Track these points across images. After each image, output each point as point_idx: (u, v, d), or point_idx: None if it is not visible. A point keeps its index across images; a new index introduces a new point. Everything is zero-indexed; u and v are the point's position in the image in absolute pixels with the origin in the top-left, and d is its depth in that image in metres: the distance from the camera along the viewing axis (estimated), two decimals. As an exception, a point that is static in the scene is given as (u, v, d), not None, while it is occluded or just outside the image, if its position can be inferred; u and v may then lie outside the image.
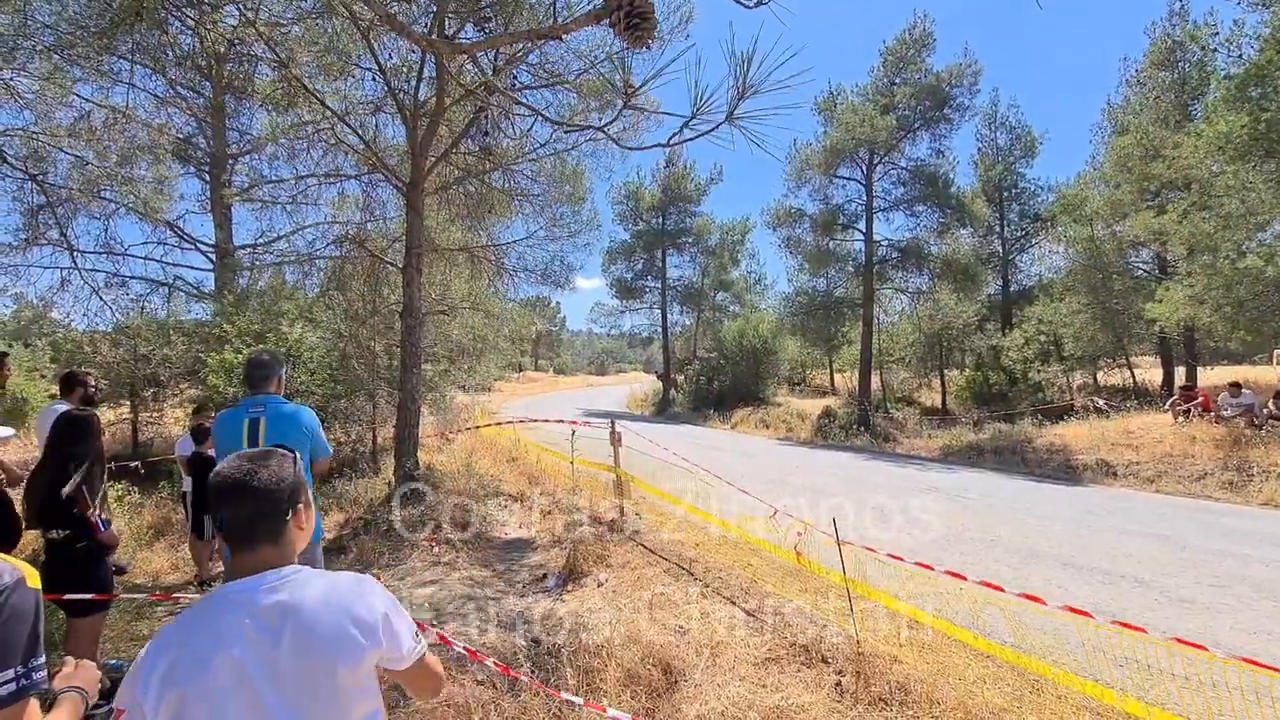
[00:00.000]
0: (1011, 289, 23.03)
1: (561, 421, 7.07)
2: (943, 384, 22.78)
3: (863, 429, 16.84)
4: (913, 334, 22.64)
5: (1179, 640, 2.21)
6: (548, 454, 9.28)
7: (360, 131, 7.69)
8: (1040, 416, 15.28)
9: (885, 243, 18.97)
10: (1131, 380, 19.04)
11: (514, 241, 9.04)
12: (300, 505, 1.28)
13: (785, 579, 4.64)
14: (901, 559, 3.29)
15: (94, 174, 10.04)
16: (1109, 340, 17.08)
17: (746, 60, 1.99)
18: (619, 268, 30.10)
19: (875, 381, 21.57)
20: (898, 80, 18.20)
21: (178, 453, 5.71)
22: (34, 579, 1.25)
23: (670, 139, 2.41)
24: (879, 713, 2.97)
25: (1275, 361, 12.43)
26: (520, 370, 52.28)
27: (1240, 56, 11.09)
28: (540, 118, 7.49)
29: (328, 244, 9.23)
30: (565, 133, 7.55)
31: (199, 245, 11.54)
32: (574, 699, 2.67)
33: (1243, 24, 10.84)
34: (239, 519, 1.19)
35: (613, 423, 6.67)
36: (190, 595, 5.16)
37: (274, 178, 11.17)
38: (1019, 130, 22.47)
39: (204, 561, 5.29)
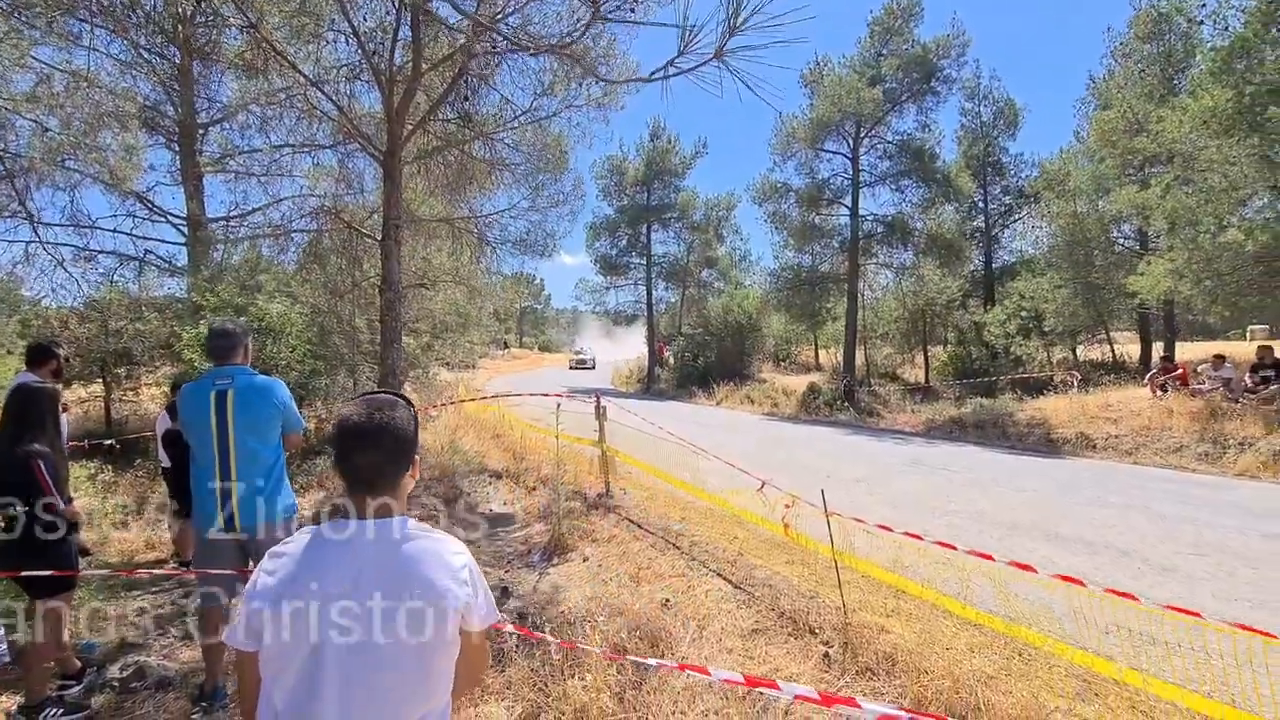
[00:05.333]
0: (994, 265, 23.14)
1: (547, 395, 6.98)
2: (926, 359, 22.95)
3: (847, 404, 16.95)
4: (897, 310, 22.73)
5: (1171, 608, 2.21)
6: (533, 430, 9.20)
7: (335, 98, 7.41)
8: (1020, 391, 15.47)
9: (871, 217, 18.92)
10: (1111, 355, 19.32)
11: (496, 213, 8.84)
12: (416, 456, 1.31)
13: (772, 551, 4.64)
14: (890, 529, 3.27)
15: (57, 143, 9.60)
16: (1089, 315, 17.26)
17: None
18: (603, 244, 29.79)
19: (859, 357, 21.68)
20: (885, 52, 17.97)
21: (156, 429, 5.54)
22: None
23: (653, 74, 2.29)
24: (866, 682, 2.97)
25: (1251, 337, 12.63)
26: (505, 347, 51.94)
27: (1226, 29, 11.04)
28: (515, 47, 7.25)
29: (304, 216, 8.95)
30: (535, 56, 7.30)
31: (170, 218, 11.14)
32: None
33: (1228, -4, 10.77)
34: (366, 464, 1.21)
35: (598, 398, 6.59)
36: (163, 572, 5.05)
37: (247, 148, 10.77)
38: (1002, 103, 22.33)
39: (187, 539, 5.16)
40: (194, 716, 2.94)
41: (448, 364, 15.05)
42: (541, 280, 70.17)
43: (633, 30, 5.55)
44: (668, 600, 3.93)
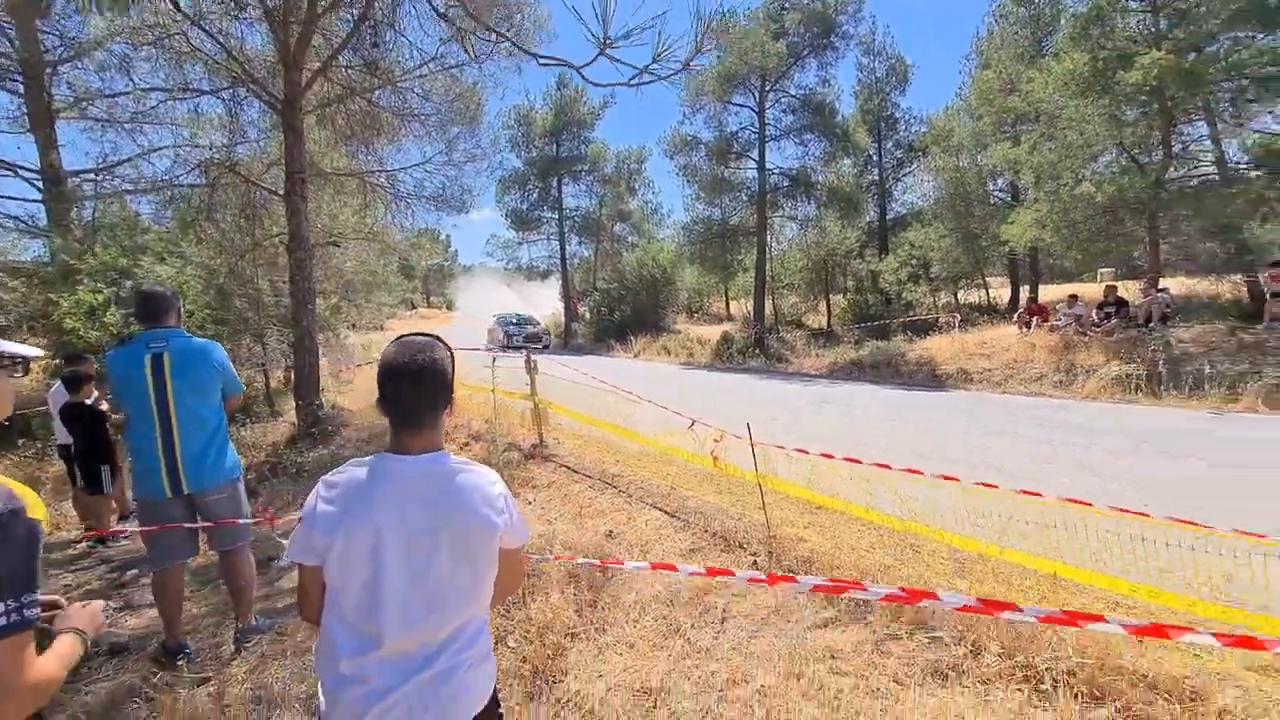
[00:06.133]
0: (888, 216, 24.70)
1: (477, 350, 7.03)
2: (828, 306, 24.41)
3: (758, 351, 17.88)
4: (801, 260, 23.88)
5: (1024, 491, 2.77)
6: (460, 387, 9.18)
7: (220, 39, 6.82)
8: (910, 333, 16.93)
9: (777, 171, 19.60)
10: (986, 298, 21.38)
11: (409, 166, 8.52)
12: (453, 396, 1.43)
13: (703, 483, 5.08)
14: (806, 452, 3.74)
15: None
16: (969, 262, 18.98)
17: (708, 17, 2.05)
18: (513, 197, 29.02)
19: (768, 306, 22.75)
20: (788, 5, 18.32)
21: (51, 405, 5.17)
22: (37, 508, 1.20)
23: (631, 79, 2.46)
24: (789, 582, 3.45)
25: (1101, 279, 14.42)
26: (413, 307, 49.88)
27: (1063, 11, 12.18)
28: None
29: (190, 169, 8.22)
30: (462, 39, 7.05)
31: (19, 170, 9.86)
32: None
33: (1089, -35, 11.85)
34: (410, 403, 1.34)
35: (528, 351, 6.73)
36: (74, 550, 4.84)
37: (108, 91, 9.62)
38: (894, 60, 23.44)
39: (104, 515, 4.94)
40: (157, 677, 2.98)
41: (353, 325, 14.49)
42: (448, 236, 67.33)
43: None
44: (611, 532, 4.28)
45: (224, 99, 8.45)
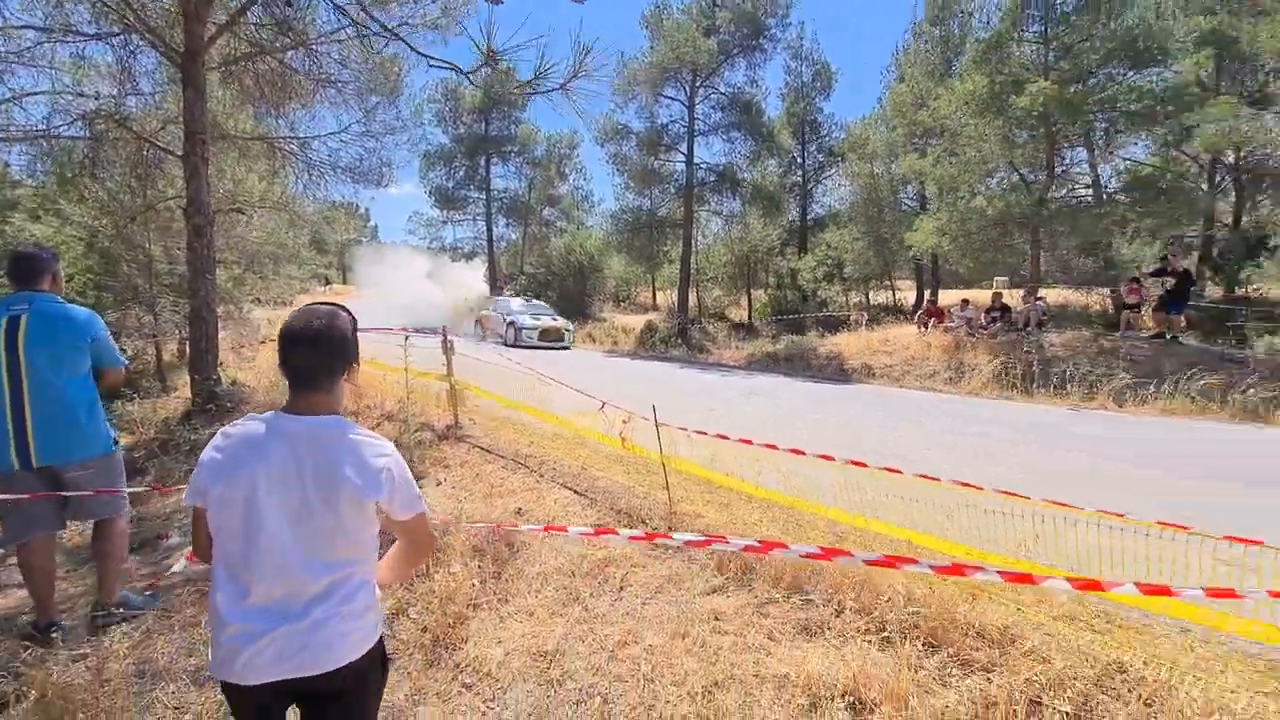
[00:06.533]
0: (809, 217, 25.76)
1: (390, 330, 6.90)
2: (749, 301, 25.24)
3: (680, 341, 18.31)
4: (725, 255, 24.54)
5: (888, 469, 3.11)
6: (373, 367, 8.94)
7: (109, -21, 6.29)
8: (823, 329, 17.84)
9: (704, 166, 20.04)
10: (893, 299, 22.77)
11: (323, 134, 8.14)
12: (353, 363, 1.53)
13: (613, 464, 5.26)
14: (705, 433, 3.98)
15: None
16: (879, 264, 20.16)
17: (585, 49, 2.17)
18: (438, 174, 28.15)
19: (692, 298, 23.28)
20: (720, 3, 18.68)
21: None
22: None
23: (512, 88, 2.53)
24: (684, 554, 3.69)
25: (994, 287, 15.70)
26: (327, 283, 47.38)
27: (988, 23, 13.17)
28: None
29: (72, 121, 7.51)
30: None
31: None
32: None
33: (991, -5, 12.81)
34: (307, 366, 1.44)
35: (444, 330, 6.68)
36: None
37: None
38: (819, 66, 24.38)
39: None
40: (28, 652, 2.84)
41: (258, 300, 13.72)
42: (367, 210, 64.27)
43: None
44: (520, 509, 4.39)
45: (114, 45, 7.77)
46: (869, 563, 1.72)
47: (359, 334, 1.59)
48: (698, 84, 18.73)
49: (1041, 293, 14.41)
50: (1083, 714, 2.24)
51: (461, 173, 28.30)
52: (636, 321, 22.73)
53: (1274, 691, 2.29)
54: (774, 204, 19.70)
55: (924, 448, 6.69)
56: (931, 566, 1.63)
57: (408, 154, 10.20)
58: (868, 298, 23.17)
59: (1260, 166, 15.61)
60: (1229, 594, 1.62)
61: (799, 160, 24.89)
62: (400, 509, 1.46)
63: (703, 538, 2.28)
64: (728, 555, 3.48)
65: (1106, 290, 15.60)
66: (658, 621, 2.98)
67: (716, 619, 3.01)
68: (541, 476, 5.13)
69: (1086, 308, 16.89)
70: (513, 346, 15.74)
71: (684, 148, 19.53)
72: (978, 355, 12.10)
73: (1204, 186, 15.55)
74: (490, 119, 27.10)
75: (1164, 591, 1.59)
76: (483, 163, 27.91)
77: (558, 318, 18.62)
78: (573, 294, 26.02)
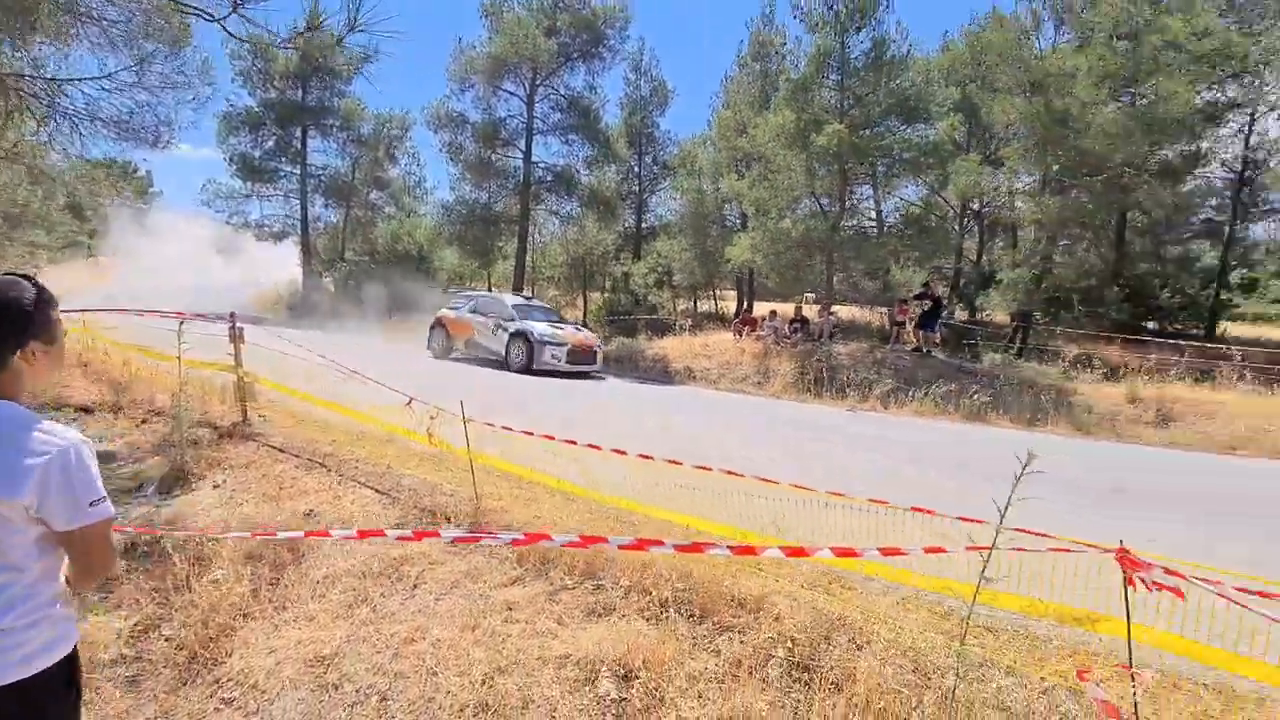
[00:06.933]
0: (643, 225, 26.83)
1: (165, 315, 6.05)
2: (585, 303, 25.65)
3: (513, 340, 18.09)
4: (562, 255, 24.71)
5: (669, 460, 3.43)
6: (146, 355, 7.73)
7: None
8: (651, 332, 18.73)
9: (543, 165, 20.02)
10: (716, 308, 24.55)
11: (80, 78, 6.83)
12: (35, 344, 1.33)
13: (423, 462, 5.11)
14: (513, 429, 4.05)
15: None
16: (704, 274, 21.61)
17: None
18: (242, 140, 24.83)
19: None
20: (560, 6, 18.83)
21: None
22: None
23: (280, 43, 2.41)
24: (486, 549, 3.73)
25: (804, 301, 17.61)
26: (91, 254, 39.57)
27: (798, 66, 14.76)
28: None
29: None
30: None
31: None
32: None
33: (801, 41, 14.41)
34: None
35: (233, 316, 6.01)
36: None
37: None
38: (657, 82, 25.53)
39: None
40: None
41: (-14, 270, 11.16)
42: (148, 173, 54.60)
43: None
44: (310, 511, 4.11)
45: None
46: (622, 547, 1.91)
47: (57, 312, 1.39)
48: (538, 82, 18.68)
49: (835, 308, 16.50)
50: (810, 662, 2.67)
51: (272, 142, 25.24)
52: (469, 318, 22.02)
53: (946, 630, 2.92)
54: (610, 210, 20.26)
55: (731, 444, 7.37)
56: (675, 546, 1.87)
57: (194, 114, 8.92)
58: (695, 305, 24.73)
59: (995, 214, 19.36)
60: (896, 551, 2.06)
61: (636, 170, 25.81)
62: (59, 518, 1.27)
63: (469, 532, 2.35)
64: (525, 550, 3.59)
65: (884, 309, 18.23)
66: (449, 616, 3.00)
67: (510, 609, 3.09)
68: (342, 476, 4.84)
69: (869, 323, 19.64)
70: (527, 372, 11.39)
71: (522, 144, 19.36)
72: (782, 361, 13.52)
73: (956, 227, 18.87)
74: (309, 86, 24.51)
75: (851, 553, 1.98)
76: (298, 134, 25.15)
77: (580, 327, 14.40)
78: (399, 285, 24.51)
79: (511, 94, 19.15)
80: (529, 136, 19.04)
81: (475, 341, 12.81)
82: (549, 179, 19.98)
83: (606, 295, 25.25)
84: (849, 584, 3.38)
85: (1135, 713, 2.24)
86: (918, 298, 14.05)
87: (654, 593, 3.12)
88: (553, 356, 11.50)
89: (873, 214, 17.63)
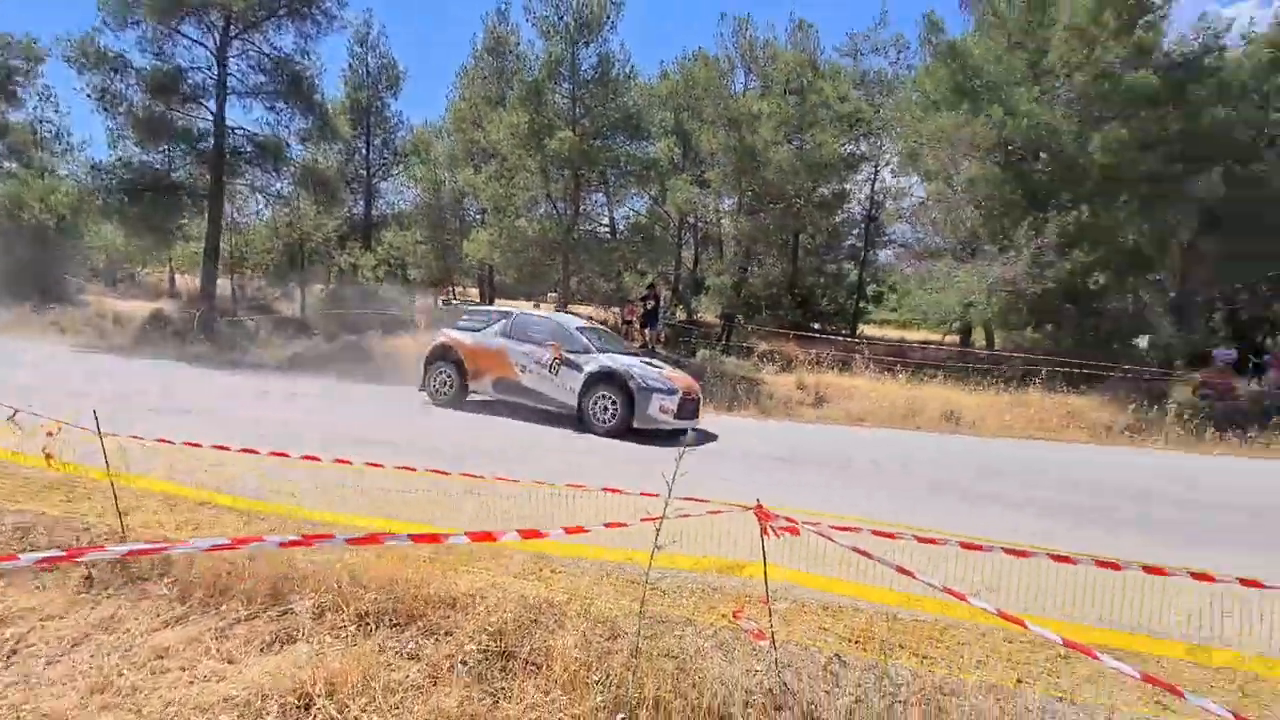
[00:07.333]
0: (374, 213, 24.67)
1: None
2: (303, 295, 22.65)
3: (203, 336, 15.15)
4: (271, 240, 21.47)
5: (400, 466, 3.23)
6: None
7: None
8: (384, 329, 17.35)
9: (241, 131, 17.07)
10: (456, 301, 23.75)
11: None
12: None
13: (43, 492, 3.99)
14: (170, 441, 3.40)
15: None
16: (442, 269, 20.75)
17: None
18: None
19: (229, 286, 19.58)
20: (265, -49, 16.30)
21: None
22: None
23: None
24: (135, 589, 3.08)
25: (545, 301, 17.90)
26: None
27: (532, 69, 15.01)
28: None
29: None
30: None
31: None
32: None
33: (534, 44, 14.73)
34: None
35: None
36: None
37: None
38: (387, 61, 23.70)
39: None
40: None
41: None
42: None
43: None
44: None
45: None
46: (282, 544, 1.75)
47: None
48: (232, 34, 15.85)
49: (573, 308, 17.23)
50: (514, 649, 2.75)
51: None
52: (142, 309, 17.86)
53: (636, 595, 3.26)
54: (330, 191, 18.17)
55: (435, 446, 7.20)
56: (347, 540, 1.77)
57: None
58: (436, 301, 23.56)
59: (706, 229, 22.20)
60: (579, 530, 2.24)
61: (364, 152, 23.58)
62: None
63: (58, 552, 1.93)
64: (191, 581, 3.06)
65: (618, 309, 19.62)
66: (67, 681, 2.39)
67: (160, 657, 2.59)
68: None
69: (605, 322, 20.93)
70: (618, 435, 7.70)
71: (213, 105, 16.25)
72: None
73: (675, 237, 21.18)
74: None
75: (536, 534, 2.10)
76: None
77: (663, 362, 9.91)
78: (26, 265, 18.72)
79: (196, 43, 15.94)
80: (221, 95, 16.06)
81: (515, 383, 8.65)
82: (249, 149, 17.11)
83: (332, 286, 22.62)
84: (558, 568, 3.57)
85: (772, 635, 2.80)
86: (643, 299, 15.41)
87: (351, 607, 2.91)
88: (661, 410, 7.79)
89: (606, 220, 18.83)
